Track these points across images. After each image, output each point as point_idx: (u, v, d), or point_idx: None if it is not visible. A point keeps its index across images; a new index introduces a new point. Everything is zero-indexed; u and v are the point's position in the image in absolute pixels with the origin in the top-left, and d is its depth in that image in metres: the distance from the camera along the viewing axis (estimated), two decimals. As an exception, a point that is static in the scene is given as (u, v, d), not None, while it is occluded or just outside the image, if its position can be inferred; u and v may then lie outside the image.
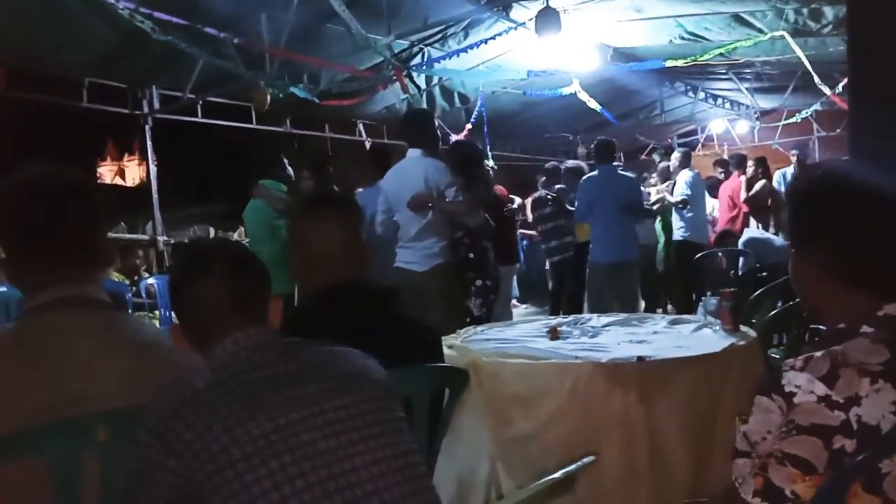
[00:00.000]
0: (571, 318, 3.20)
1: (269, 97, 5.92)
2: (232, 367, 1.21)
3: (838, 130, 11.25)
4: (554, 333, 2.72)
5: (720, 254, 6.10)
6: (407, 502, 1.18)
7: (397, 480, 1.19)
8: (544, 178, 6.60)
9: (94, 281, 1.41)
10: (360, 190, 4.66)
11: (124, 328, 1.42)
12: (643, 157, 11.63)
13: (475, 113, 7.94)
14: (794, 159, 6.90)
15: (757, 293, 3.62)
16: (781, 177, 6.98)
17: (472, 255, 4.19)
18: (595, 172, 5.54)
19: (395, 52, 6.35)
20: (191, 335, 1.32)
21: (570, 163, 7.03)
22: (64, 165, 1.46)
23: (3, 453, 1.21)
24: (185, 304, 1.32)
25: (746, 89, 9.56)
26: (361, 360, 1.32)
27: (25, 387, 1.27)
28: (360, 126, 8.82)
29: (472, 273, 4.20)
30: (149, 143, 6.85)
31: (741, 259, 5.83)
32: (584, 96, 7.63)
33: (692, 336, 2.66)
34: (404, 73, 6.51)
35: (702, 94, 10.24)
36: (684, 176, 6.66)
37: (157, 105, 6.74)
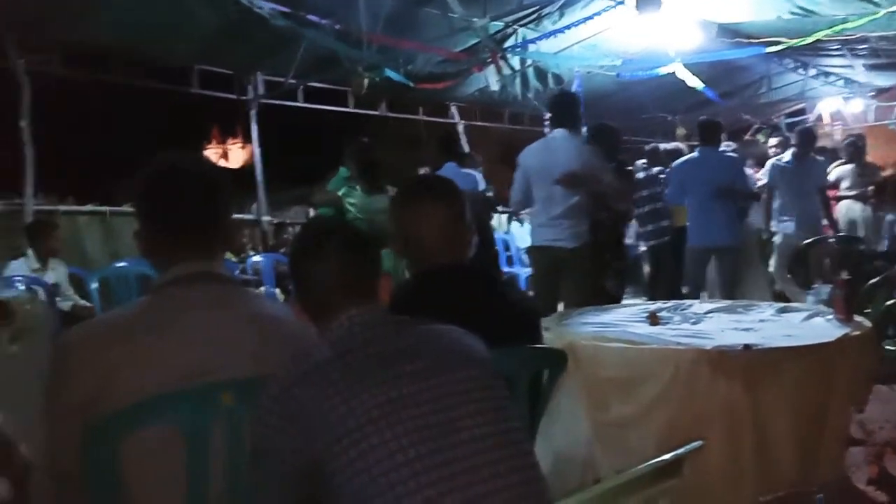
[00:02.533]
0: (672, 303, 3.13)
1: (366, 81, 6.05)
2: (348, 341, 1.28)
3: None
4: (654, 319, 2.68)
5: (830, 240, 5.79)
6: (512, 477, 1.21)
7: (503, 455, 1.22)
8: (644, 160, 6.46)
9: (220, 259, 1.51)
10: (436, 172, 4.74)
11: (247, 302, 1.51)
12: (747, 137, 11.13)
13: (571, 94, 7.83)
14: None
15: (871, 282, 3.43)
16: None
17: (610, 238, 4.24)
18: (693, 154, 5.38)
19: (490, 33, 6.34)
20: (308, 309, 1.39)
21: (670, 145, 6.83)
22: (194, 152, 1.56)
23: (139, 419, 1.32)
24: (303, 281, 1.40)
25: (861, 66, 8.97)
26: (466, 339, 1.36)
27: (158, 356, 1.36)
28: (454, 108, 8.88)
29: (609, 255, 4.23)
30: (254, 127, 7.15)
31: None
32: (684, 74, 7.38)
33: (802, 325, 2.56)
34: (500, 55, 6.49)
35: (812, 71, 9.67)
36: (769, 164, 6.30)
37: (261, 90, 7.02)
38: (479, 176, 5.19)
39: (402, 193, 1.91)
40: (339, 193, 4.89)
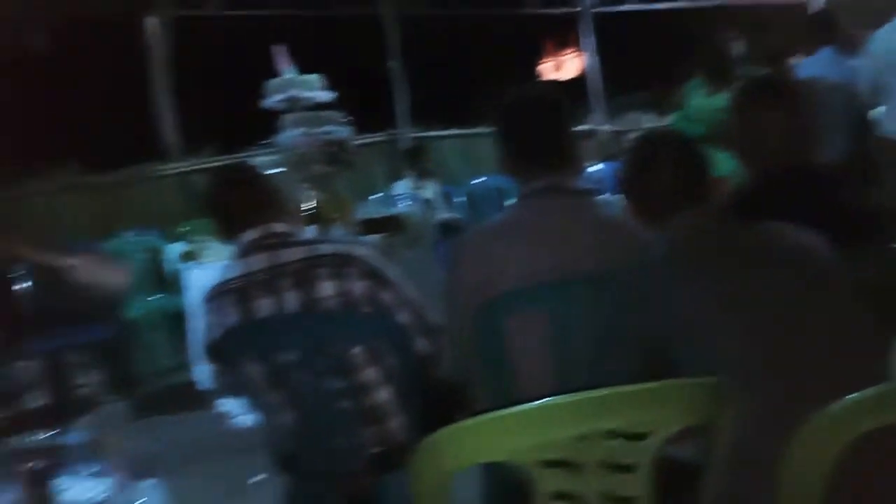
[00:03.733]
0: None
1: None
2: (681, 242, 1.43)
3: None
4: None
5: None
6: (850, 372, 1.26)
7: (842, 352, 1.28)
8: None
9: (570, 172, 1.76)
10: (803, 60, 4.28)
11: (593, 209, 1.75)
12: None
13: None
14: None
15: None
16: None
17: None
18: None
19: None
20: (643, 214, 1.57)
21: None
22: (544, 81, 1.81)
23: (516, 303, 1.65)
24: (637, 189, 1.58)
25: None
26: (806, 240, 1.40)
27: (525, 254, 1.68)
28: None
29: None
30: (588, 37, 7.27)
31: None
32: None
33: None
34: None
35: None
36: None
37: (593, -1, 7.09)
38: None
39: (738, 95, 1.93)
40: (684, 93, 4.78)
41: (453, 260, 1.76)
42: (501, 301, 1.63)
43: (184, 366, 4.13)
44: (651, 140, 1.66)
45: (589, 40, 7.40)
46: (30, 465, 1.46)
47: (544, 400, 0.91)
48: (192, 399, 3.83)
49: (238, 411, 3.64)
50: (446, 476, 0.93)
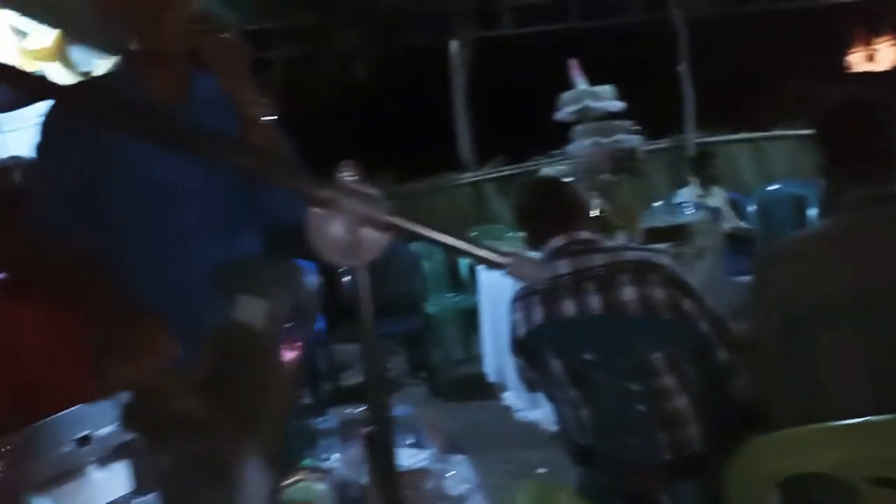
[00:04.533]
0: None
1: None
2: None
3: None
4: None
5: None
6: None
7: None
8: None
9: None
10: None
11: None
12: None
13: None
14: None
15: None
16: None
17: None
18: None
19: None
20: None
21: None
22: (864, 76, 1.69)
23: (831, 320, 1.57)
24: None
25: None
26: None
27: (843, 267, 1.59)
28: None
29: None
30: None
31: None
32: None
33: None
34: None
35: None
36: None
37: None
38: None
39: None
40: None
41: (763, 270, 1.73)
42: (817, 315, 1.57)
43: (474, 358, 4.49)
44: None
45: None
46: (366, 430, 1.71)
47: (883, 416, 0.90)
48: (481, 389, 4.16)
49: (522, 406, 3.87)
50: (767, 483, 0.96)
